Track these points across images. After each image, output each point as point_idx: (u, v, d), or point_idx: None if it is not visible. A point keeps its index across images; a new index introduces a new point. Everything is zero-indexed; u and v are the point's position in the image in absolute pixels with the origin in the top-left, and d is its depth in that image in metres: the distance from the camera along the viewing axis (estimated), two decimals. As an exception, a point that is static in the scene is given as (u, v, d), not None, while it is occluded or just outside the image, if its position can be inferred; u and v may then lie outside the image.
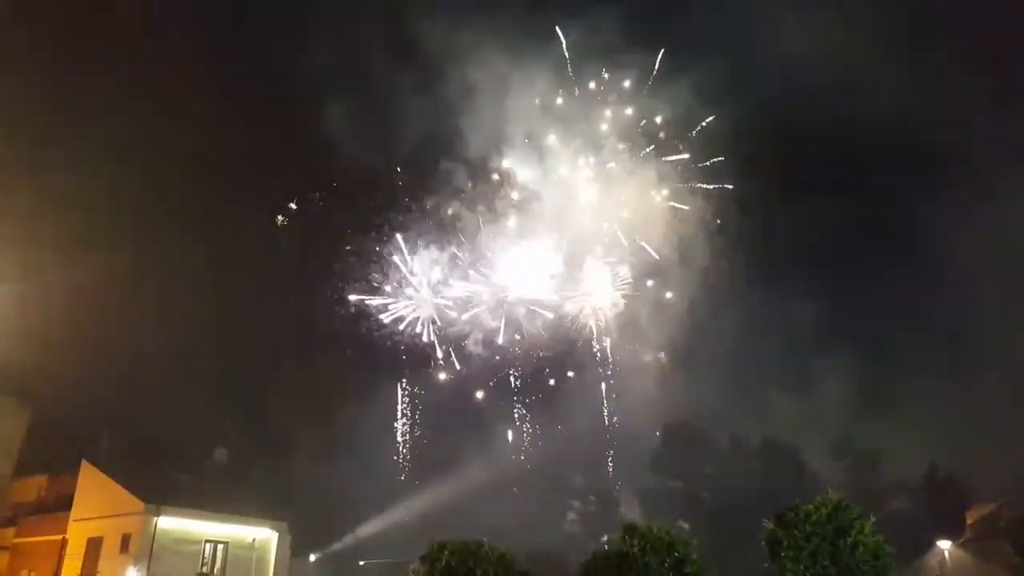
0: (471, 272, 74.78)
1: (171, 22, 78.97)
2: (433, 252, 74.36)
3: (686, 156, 73.09)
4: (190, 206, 74.59)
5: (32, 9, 66.02)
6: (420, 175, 76.42)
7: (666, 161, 73.17)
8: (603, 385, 77.73)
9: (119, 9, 73.41)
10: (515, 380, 76.89)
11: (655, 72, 73.43)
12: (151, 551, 45.84)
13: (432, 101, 77.82)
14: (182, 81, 76.61)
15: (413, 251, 74.16)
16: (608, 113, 75.95)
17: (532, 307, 74.57)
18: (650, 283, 76.27)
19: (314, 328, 75.62)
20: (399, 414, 74.83)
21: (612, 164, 74.57)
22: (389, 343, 74.64)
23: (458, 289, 74.32)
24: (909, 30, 77.07)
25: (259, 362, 74.80)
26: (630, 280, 75.92)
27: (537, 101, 74.14)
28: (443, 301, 74.32)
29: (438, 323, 74.33)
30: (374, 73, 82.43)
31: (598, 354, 77.45)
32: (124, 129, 69.24)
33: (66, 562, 49.20)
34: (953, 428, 71.19)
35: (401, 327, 74.15)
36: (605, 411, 77.47)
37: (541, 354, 76.09)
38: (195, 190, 74.83)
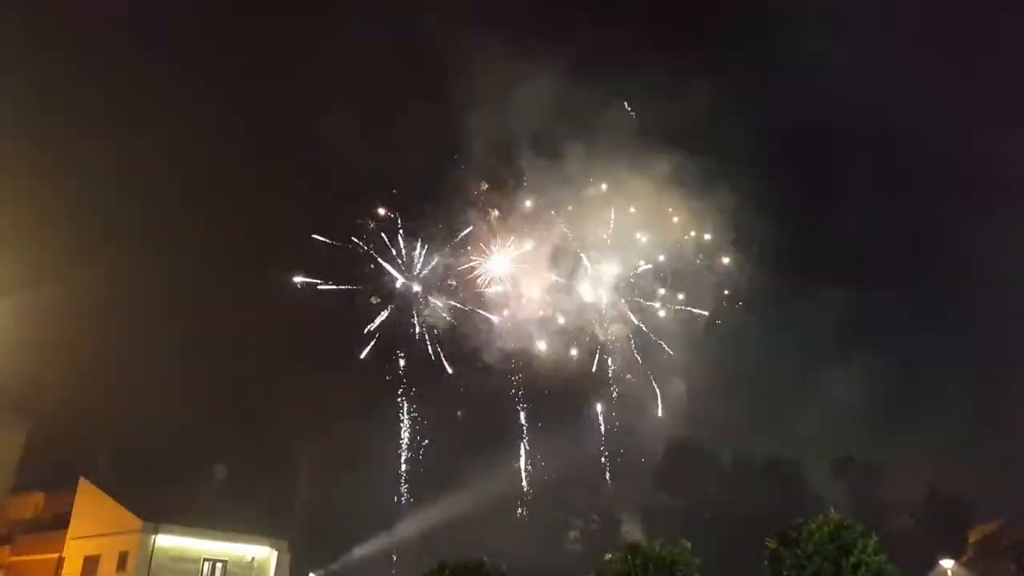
0: (479, 286, 74.75)
1: (173, 30, 79.25)
2: (440, 261, 74.35)
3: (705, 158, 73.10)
4: (188, 219, 74.63)
5: (33, 20, 66.45)
6: (428, 182, 76.47)
7: (685, 164, 72.87)
8: (605, 403, 77.69)
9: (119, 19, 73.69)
10: (518, 398, 76.82)
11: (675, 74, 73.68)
12: (149, 569, 45.57)
13: (443, 107, 77.66)
14: (185, 89, 77.02)
15: (420, 259, 74.18)
16: (624, 114, 75.88)
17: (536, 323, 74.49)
18: (661, 291, 76.15)
19: (315, 342, 75.68)
20: (401, 431, 74.69)
21: (627, 165, 74.29)
22: (391, 358, 74.66)
23: (464, 302, 74.37)
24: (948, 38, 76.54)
25: (259, 377, 74.56)
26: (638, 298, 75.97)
27: (549, 103, 74.04)
28: (447, 315, 74.36)
29: (441, 338, 74.31)
30: (382, 78, 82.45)
31: (607, 370, 77.44)
32: (124, 140, 69.55)
33: (62, 581, 48.92)
34: (956, 447, 70.82)
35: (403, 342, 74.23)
36: (604, 427, 77.47)
37: (544, 372, 76.04)
38: (193, 202, 74.95)
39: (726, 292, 77.66)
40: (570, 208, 75.92)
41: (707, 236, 75.95)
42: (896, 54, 78.28)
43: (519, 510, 73.88)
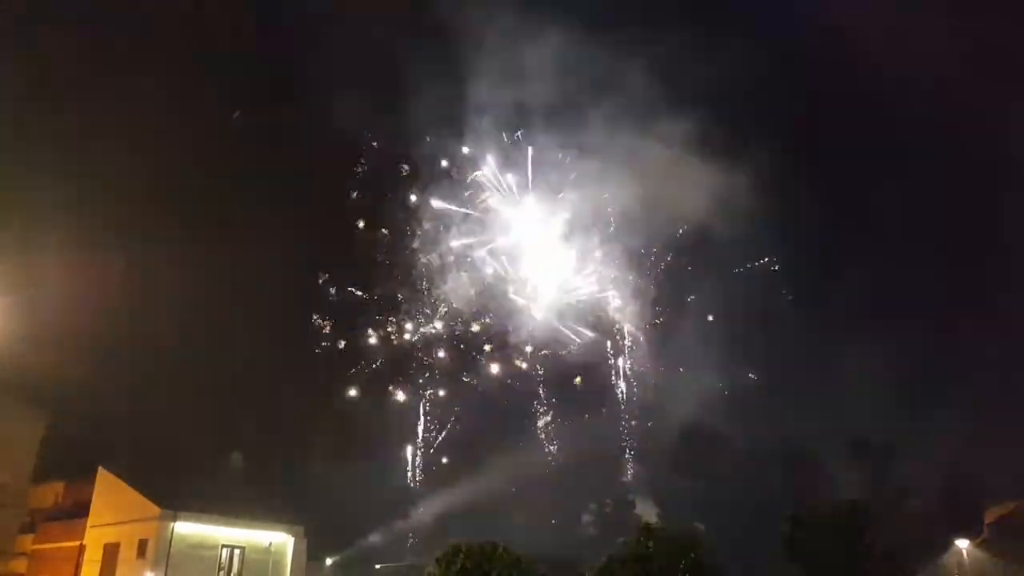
0: (495, 266, 74.03)
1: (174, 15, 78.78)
2: (455, 240, 73.61)
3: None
4: (201, 208, 74.63)
5: (38, 11, 66.34)
6: (441, 156, 75.16)
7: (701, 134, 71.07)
8: (622, 385, 77.31)
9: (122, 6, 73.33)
10: (535, 381, 76.62)
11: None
12: (168, 556, 46.04)
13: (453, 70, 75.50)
14: (188, 76, 76.61)
15: (434, 240, 73.66)
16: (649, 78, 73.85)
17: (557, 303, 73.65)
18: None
19: (330, 329, 75.75)
20: (416, 415, 74.82)
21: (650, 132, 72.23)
22: (407, 345, 74.63)
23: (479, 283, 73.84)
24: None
25: (274, 366, 74.84)
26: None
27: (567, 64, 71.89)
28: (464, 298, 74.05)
29: (458, 323, 74.10)
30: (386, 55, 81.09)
31: (622, 350, 76.88)
32: (132, 129, 69.43)
33: (84, 568, 49.54)
34: (972, 426, 70.41)
35: (420, 326, 74.10)
36: (620, 410, 77.23)
37: (562, 353, 75.50)
38: (205, 191, 74.88)
39: (734, 274, 76.64)
40: (588, 179, 74.05)
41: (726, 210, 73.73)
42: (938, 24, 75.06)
43: (533, 493, 74.02)
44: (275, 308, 76.25)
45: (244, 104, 78.10)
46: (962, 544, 51.49)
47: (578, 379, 75.79)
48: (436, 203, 73.68)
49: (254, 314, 74.26)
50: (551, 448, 75.03)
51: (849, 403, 74.82)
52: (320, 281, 75.09)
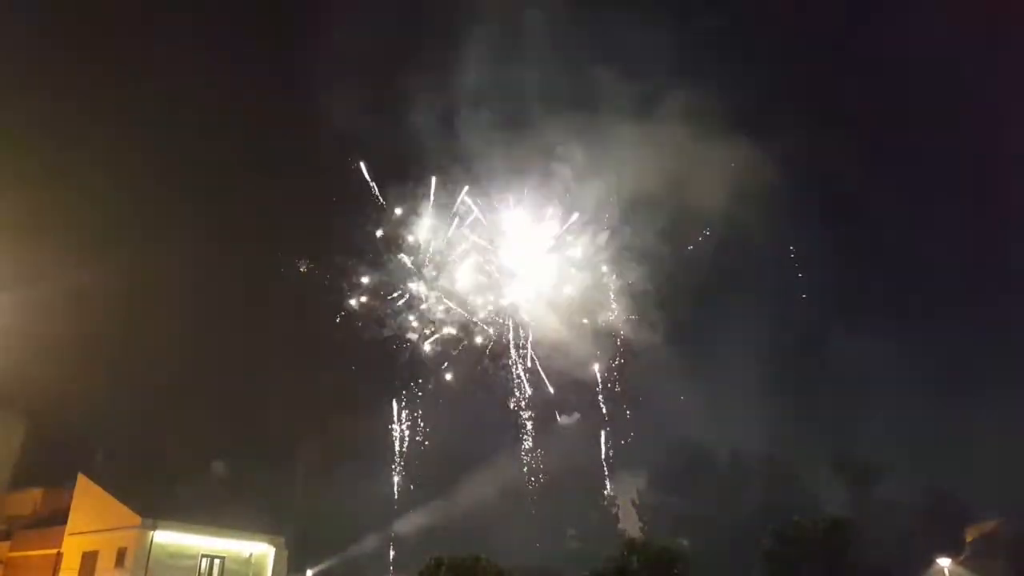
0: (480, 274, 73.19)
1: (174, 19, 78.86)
2: (444, 250, 72.68)
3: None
4: (185, 216, 74.39)
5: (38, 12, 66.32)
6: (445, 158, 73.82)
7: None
8: (606, 399, 76.98)
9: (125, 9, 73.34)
10: (518, 394, 76.24)
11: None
12: (147, 566, 45.68)
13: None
14: (185, 82, 76.56)
15: (423, 251, 72.97)
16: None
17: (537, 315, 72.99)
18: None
19: (313, 339, 75.26)
20: (398, 429, 74.31)
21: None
22: (392, 352, 74.04)
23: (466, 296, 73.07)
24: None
25: (257, 375, 74.41)
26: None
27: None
28: (449, 308, 73.46)
29: (443, 332, 73.54)
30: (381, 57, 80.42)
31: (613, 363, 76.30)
32: (123, 138, 69.34)
33: (60, 576, 48.98)
34: (954, 444, 70.77)
35: (406, 332, 73.48)
36: (603, 424, 77.06)
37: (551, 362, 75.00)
38: (190, 200, 74.67)
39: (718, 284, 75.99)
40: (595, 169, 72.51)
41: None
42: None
43: (516, 507, 73.62)
44: (259, 317, 76.01)
45: (241, 108, 77.90)
46: (944, 562, 51.71)
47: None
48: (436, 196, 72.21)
49: (238, 322, 74.03)
50: (536, 461, 74.72)
51: (833, 419, 75.12)
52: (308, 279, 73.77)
